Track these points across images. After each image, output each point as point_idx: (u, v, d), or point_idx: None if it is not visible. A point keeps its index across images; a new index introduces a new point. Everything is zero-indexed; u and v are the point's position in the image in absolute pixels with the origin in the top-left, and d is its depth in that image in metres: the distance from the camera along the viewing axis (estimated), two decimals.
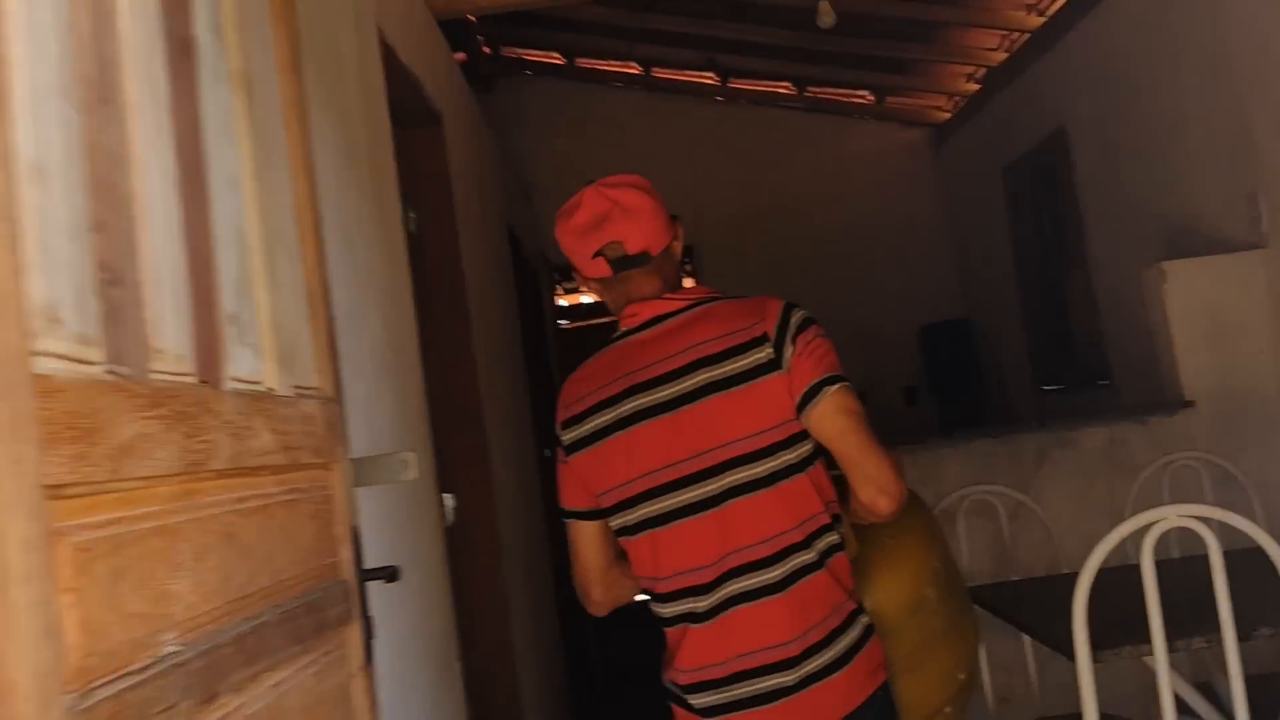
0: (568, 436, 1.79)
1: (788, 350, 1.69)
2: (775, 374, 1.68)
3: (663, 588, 1.74)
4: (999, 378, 6.64)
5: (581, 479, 1.78)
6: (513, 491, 4.13)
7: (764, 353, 1.69)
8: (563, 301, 9.59)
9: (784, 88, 7.32)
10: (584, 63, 7.36)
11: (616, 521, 1.76)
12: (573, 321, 9.78)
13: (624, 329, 1.79)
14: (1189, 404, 3.67)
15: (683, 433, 1.70)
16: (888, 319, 7.28)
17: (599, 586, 1.83)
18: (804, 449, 1.70)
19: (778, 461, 1.68)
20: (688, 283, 1.99)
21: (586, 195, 1.81)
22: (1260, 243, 3.69)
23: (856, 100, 7.34)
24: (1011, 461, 3.74)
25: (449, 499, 2.77)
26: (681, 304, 1.77)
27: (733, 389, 1.68)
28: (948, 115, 7.08)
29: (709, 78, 7.34)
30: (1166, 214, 4.44)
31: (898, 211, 7.33)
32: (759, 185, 7.34)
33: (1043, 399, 6.03)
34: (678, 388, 1.71)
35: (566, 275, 9.15)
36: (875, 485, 1.65)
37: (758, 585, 1.68)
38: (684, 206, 6.86)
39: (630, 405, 1.73)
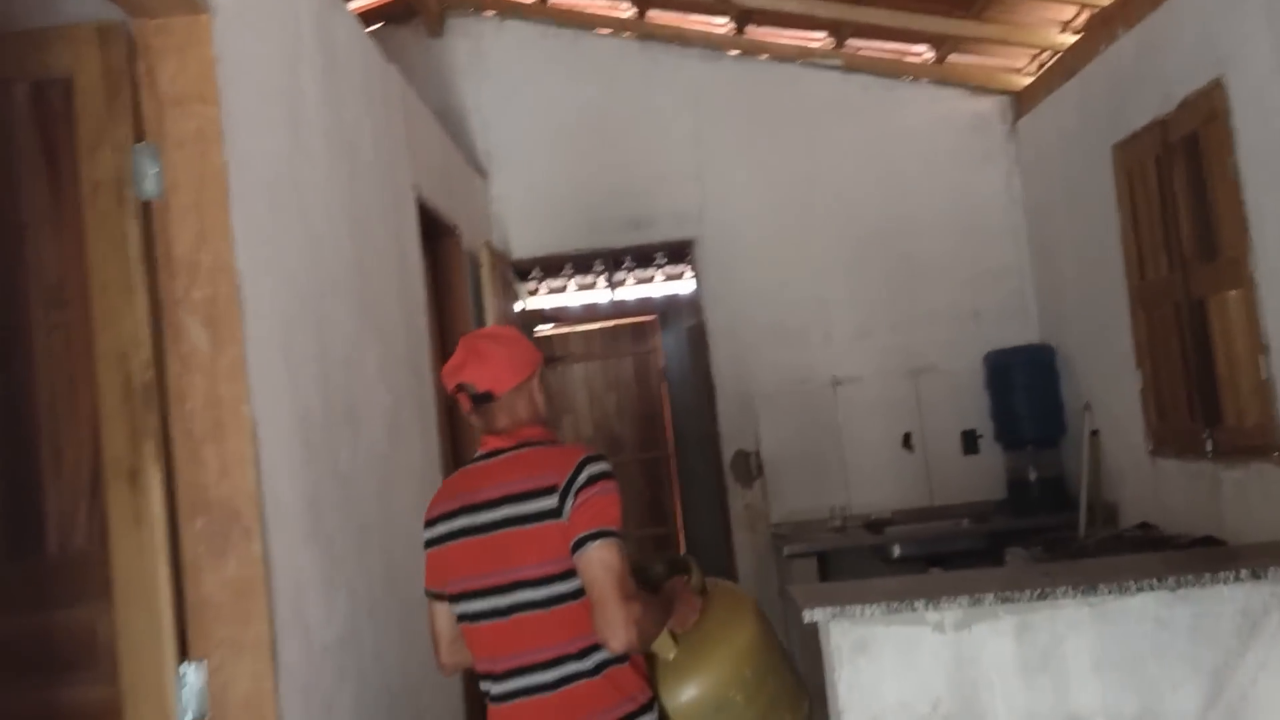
0: (426, 534, 2.25)
1: (569, 503, 2.10)
2: (556, 521, 2.10)
3: (478, 669, 2.23)
4: (1094, 430, 4.95)
5: (433, 568, 2.25)
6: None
7: (551, 502, 2.11)
8: (537, 303, 7.96)
9: (817, 39, 5.66)
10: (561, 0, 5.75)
11: (454, 609, 2.23)
12: (559, 325, 8.17)
13: (476, 455, 2.27)
14: None
15: (488, 553, 2.15)
16: (943, 341, 5.61)
17: (445, 652, 2.31)
18: (578, 583, 2.09)
19: (555, 590, 2.11)
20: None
21: (459, 343, 2.32)
22: None
23: (910, 58, 5.67)
24: (1193, 632, 2.08)
25: None
26: (510, 444, 2.23)
27: (525, 526, 2.12)
28: (1030, 78, 5.39)
29: (722, 24, 5.71)
30: None
31: (961, 205, 5.66)
32: (781, 166, 5.69)
33: (1157, 471, 4.35)
34: (489, 516, 2.16)
35: (550, 271, 7.56)
36: (608, 630, 2.03)
37: (536, 684, 2.13)
38: (684, 186, 5.13)
39: (460, 522, 2.20)
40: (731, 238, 5.67)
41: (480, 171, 5.63)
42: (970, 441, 5.57)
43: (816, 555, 5.15)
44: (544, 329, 8.21)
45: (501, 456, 2.20)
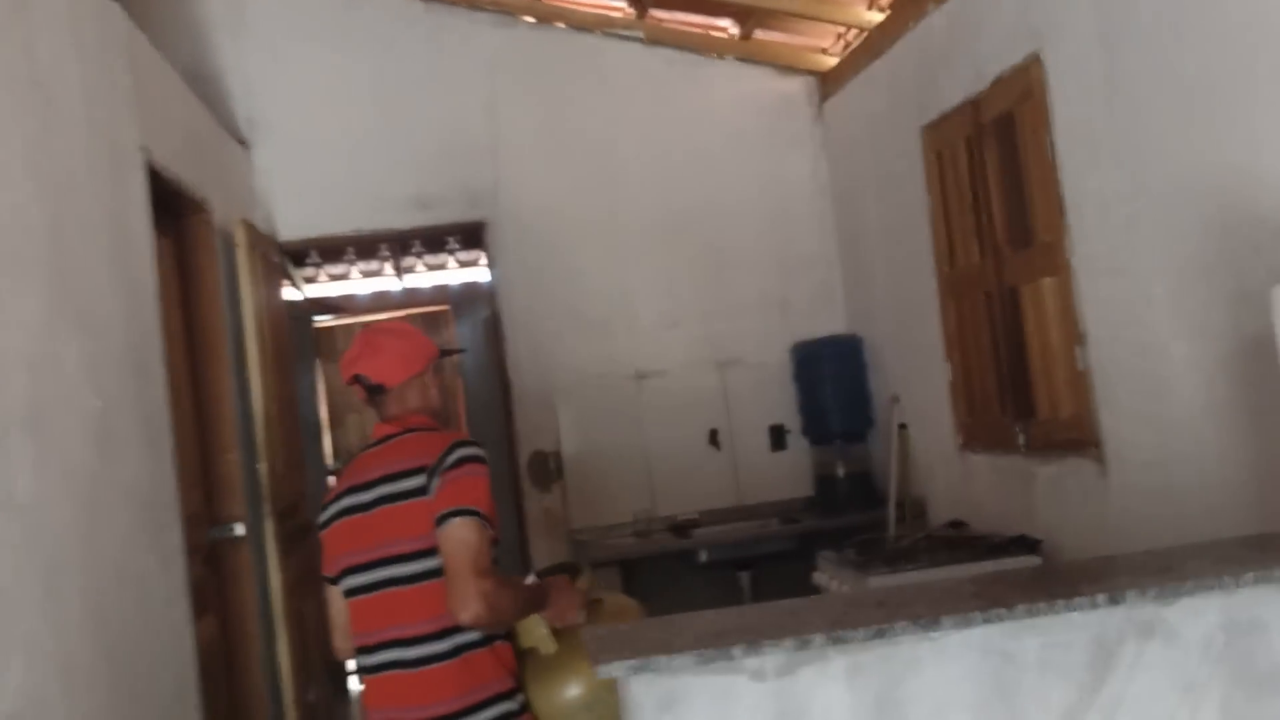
0: (319, 520, 2.45)
1: (435, 481, 2.27)
2: (424, 499, 2.26)
3: (354, 643, 2.39)
4: (902, 424, 4.78)
5: (324, 553, 2.43)
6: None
7: (421, 480, 2.28)
8: (318, 291, 7.31)
9: (617, 8, 5.28)
10: None
11: (340, 588, 2.39)
12: (341, 315, 7.52)
13: (368, 442, 2.48)
14: None
15: (365, 530, 2.33)
16: (750, 332, 5.35)
17: (338, 637, 2.45)
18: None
19: (422, 566, 2.25)
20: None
21: (356, 336, 2.54)
22: None
23: (715, 33, 5.37)
24: (1042, 666, 1.79)
25: None
26: (396, 430, 2.43)
27: (397, 504, 2.30)
28: (837, 58, 5.18)
29: None
30: (1233, 192, 2.62)
31: (768, 189, 5.40)
32: (581, 144, 5.28)
33: (967, 466, 4.19)
34: (368, 496, 2.35)
35: (329, 256, 6.90)
36: (456, 601, 2.15)
37: (399, 659, 2.28)
38: (477, 163, 4.56)
39: (344, 503, 2.39)
40: (528, 220, 5.22)
41: (241, 140, 4.97)
42: (778, 437, 5.33)
43: (619, 563, 4.79)
44: (324, 320, 7.54)
45: (388, 442, 2.42)
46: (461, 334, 7.52)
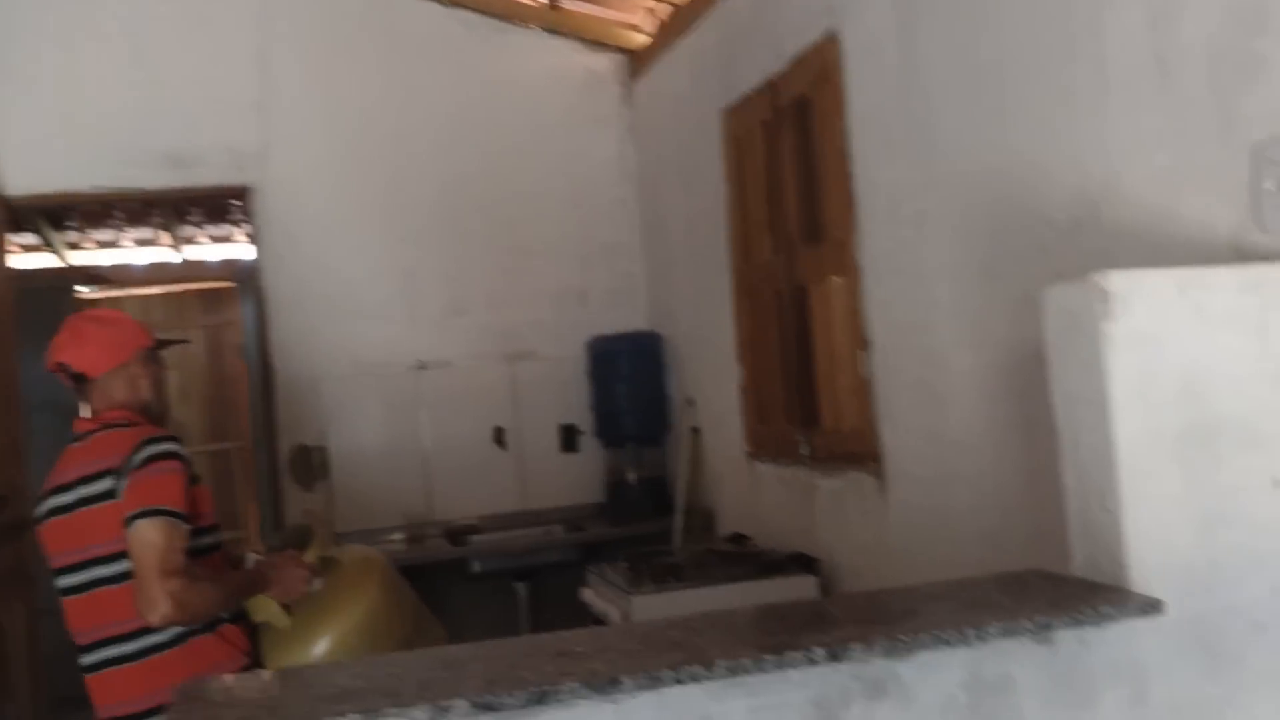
0: (35, 513, 2.40)
1: (122, 484, 2.24)
2: (112, 502, 2.25)
3: (77, 643, 2.34)
4: (695, 428, 4.49)
5: (44, 549, 2.40)
6: None
7: (109, 484, 2.26)
8: (81, 258, 6.58)
9: None
10: None
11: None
12: (107, 287, 6.78)
13: (72, 435, 2.39)
14: (1151, 605, 1.54)
15: (68, 532, 2.31)
16: (545, 324, 4.97)
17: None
18: None
19: (125, 566, 2.22)
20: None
21: (65, 321, 2.44)
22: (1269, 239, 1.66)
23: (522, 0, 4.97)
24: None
25: None
26: (94, 427, 2.36)
27: (92, 506, 2.28)
28: (648, 36, 4.86)
29: None
30: (1021, 189, 2.39)
31: (571, 172, 5.03)
32: (364, 107, 4.79)
33: (755, 476, 3.92)
34: (68, 498, 2.31)
35: (93, 220, 6.19)
36: (143, 604, 2.15)
37: (118, 655, 2.28)
38: (242, 118, 3.87)
39: (49, 504, 2.35)
40: (300, 187, 4.70)
41: None
42: (570, 437, 4.97)
43: None
44: (85, 291, 6.79)
45: (85, 440, 2.35)
46: (246, 313, 6.89)
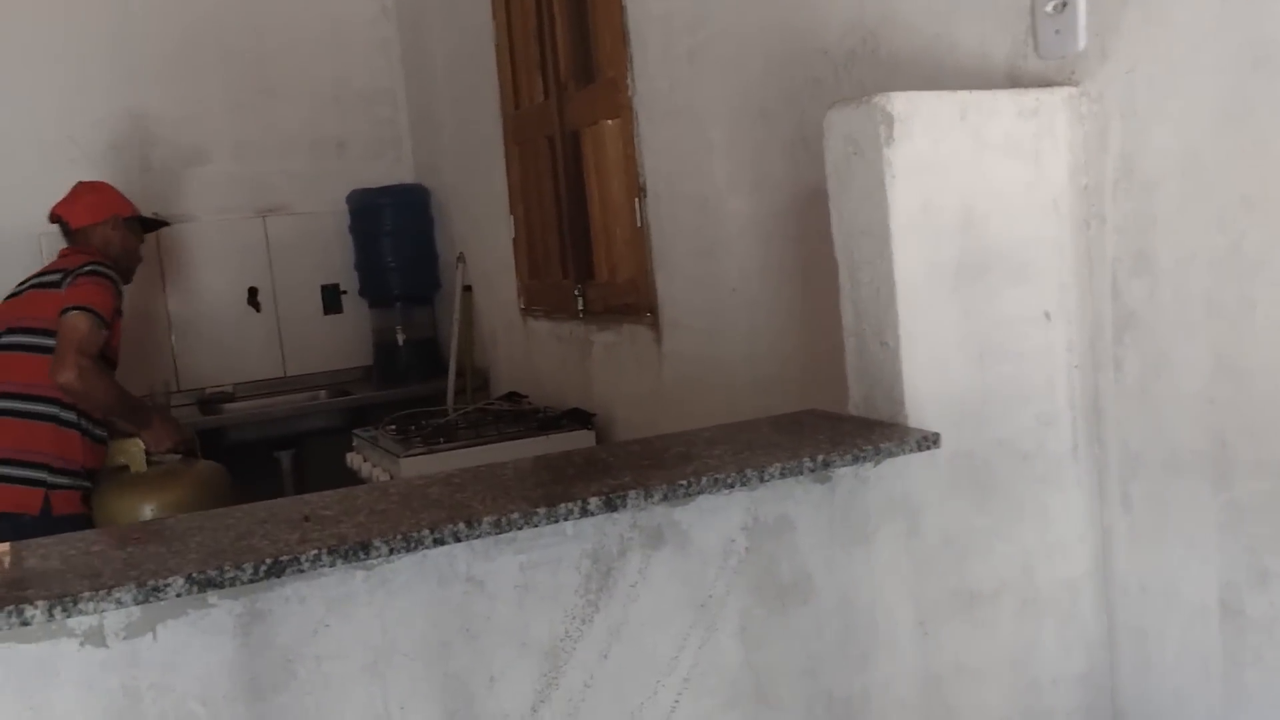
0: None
1: (66, 281, 3.02)
2: (56, 291, 3.03)
3: None
4: (467, 286, 4.28)
5: None
6: None
7: (58, 278, 3.07)
8: None
9: None
10: None
11: None
12: None
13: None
14: (928, 440, 1.52)
15: (13, 307, 3.13)
16: (300, 175, 4.59)
17: None
18: None
19: (47, 341, 2.96)
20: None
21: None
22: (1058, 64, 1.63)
23: None
24: (521, 593, 1.35)
25: None
26: (66, 253, 3.25)
27: (39, 290, 3.09)
28: None
29: None
30: (796, 17, 2.29)
31: (321, 7, 4.58)
32: None
33: (529, 333, 3.78)
34: (24, 286, 3.19)
35: None
36: (56, 366, 2.87)
37: (8, 408, 3.01)
38: None
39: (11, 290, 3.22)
40: (4, 6, 4.06)
41: None
42: (332, 298, 4.66)
43: None
44: None
45: (54, 259, 3.28)
46: None
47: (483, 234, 4.16)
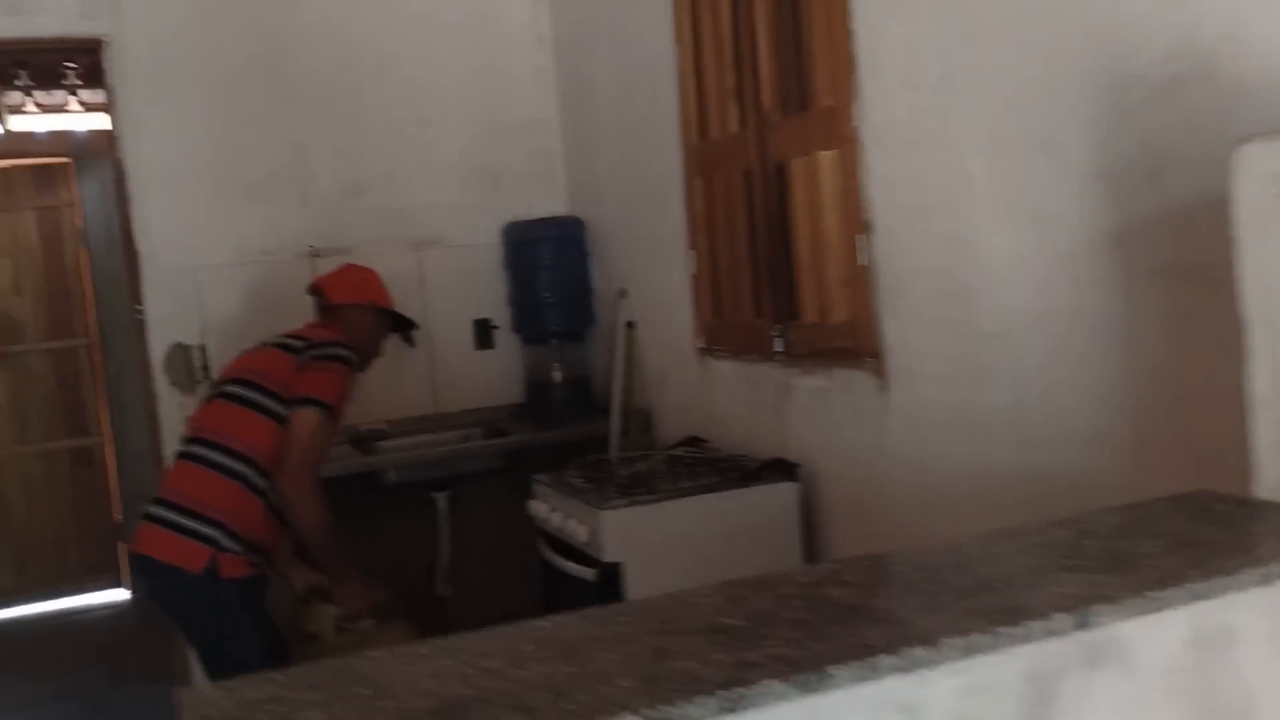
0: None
1: (307, 354, 2.97)
2: (291, 355, 3.01)
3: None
4: (630, 322, 4.10)
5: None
6: None
7: (299, 345, 3.04)
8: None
9: None
10: None
11: None
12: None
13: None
14: None
15: (251, 355, 3.11)
16: (453, 207, 4.46)
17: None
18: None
19: (263, 400, 2.94)
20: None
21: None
22: None
23: None
24: None
25: None
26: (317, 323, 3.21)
27: (279, 352, 3.04)
28: None
29: None
30: (1099, 38, 2.07)
31: (475, 36, 4.47)
32: None
33: (707, 374, 3.58)
34: (269, 340, 3.15)
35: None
36: (284, 468, 2.86)
37: (223, 464, 2.88)
38: None
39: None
40: (164, 44, 4.00)
41: None
42: (484, 333, 4.52)
43: None
44: None
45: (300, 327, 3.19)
46: (87, 193, 6.05)
47: (649, 269, 3.98)
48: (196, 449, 2.89)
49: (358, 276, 3.27)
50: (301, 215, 4.22)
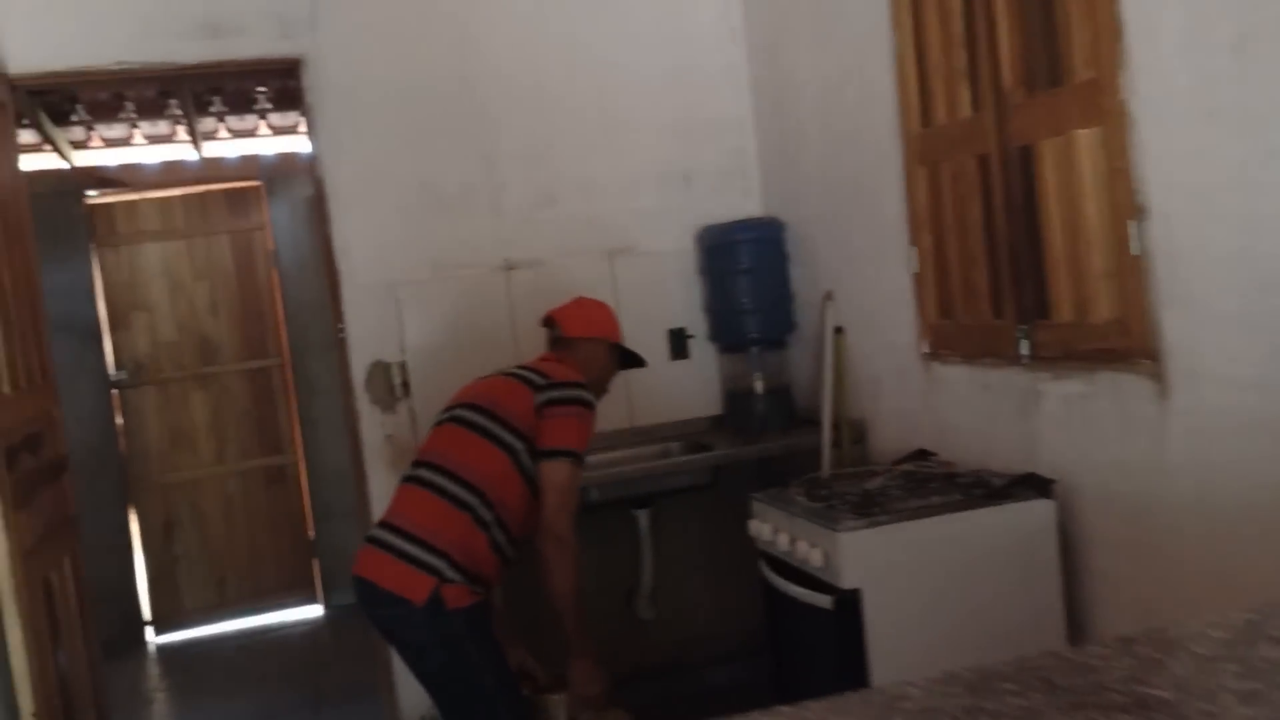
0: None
1: (549, 394, 2.83)
2: (531, 392, 2.86)
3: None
4: (838, 328, 3.85)
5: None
6: None
7: (541, 383, 2.87)
8: (85, 159, 5.88)
9: None
10: None
11: None
12: (123, 191, 6.07)
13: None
14: None
15: (486, 386, 2.97)
16: (645, 213, 4.31)
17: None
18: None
19: (504, 434, 2.83)
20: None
21: (578, 298, 3.24)
22: None
23: None
24: None
25: None
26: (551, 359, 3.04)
27: (517, 384, 2.91)
28: None
29: None
30: None
31: (665, 36, 4.31)
32: None
33: (933, 381, 3.30)
34: (500, 371, 3.07)
35: (101, 114, 5.47)
36: (543, 523, 2.79)
37: (475, 510, 2.77)
38: None
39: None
40: (360, 61, 3.98)
41: None
42: (679, 343, 4.34)
43: None
44: (98, 195, 6.07)
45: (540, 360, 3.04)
46: (278, 217, 6.19)
47: (860, 269, 3.73)
48: (425, 474, 2.78)
49: (593, 311, 3.13)
50: (495, 227, 4.14)
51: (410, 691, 4.05)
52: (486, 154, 4.12)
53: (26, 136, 5.55)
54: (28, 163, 5.79)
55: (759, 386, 4.10)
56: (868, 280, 3.67)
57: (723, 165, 4.37)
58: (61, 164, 5.78)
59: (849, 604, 2.61)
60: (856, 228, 3.71)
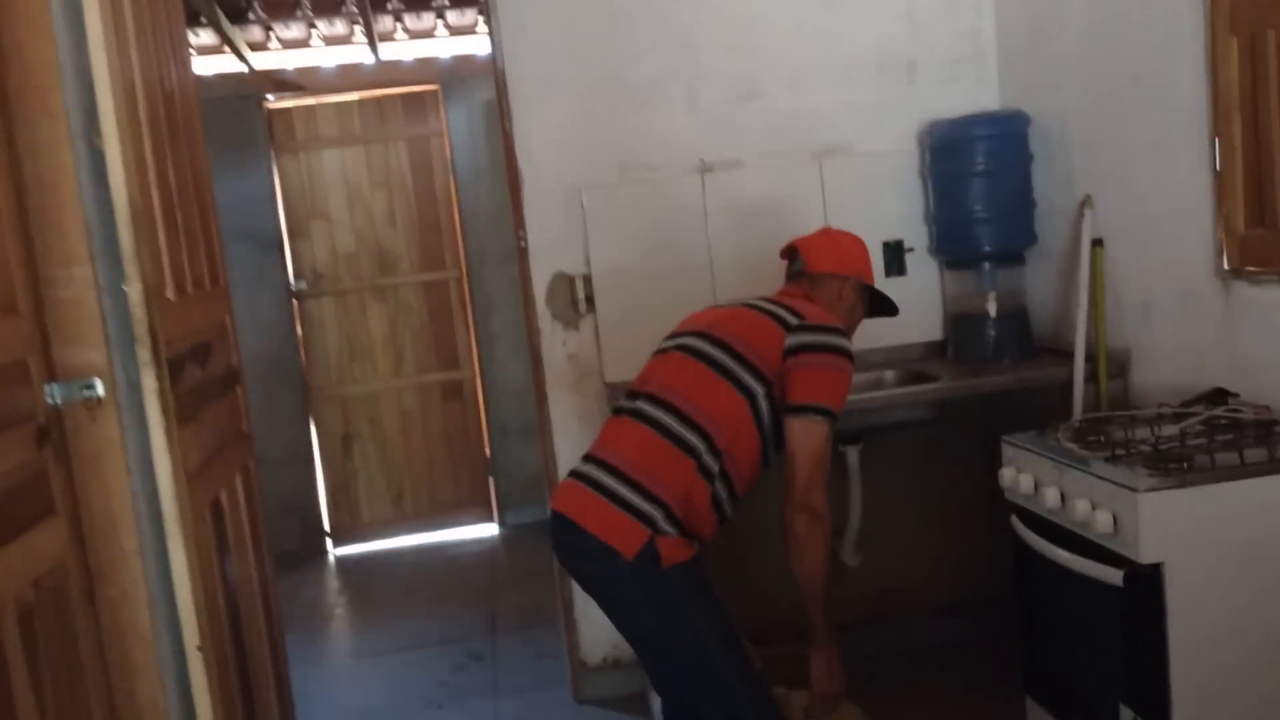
0: None
1: (802, 337, 2.40)
2: (780, 330, 2.43)
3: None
4: (1097, 240, 3.24)
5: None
6: None
7: (792, 322, 2.44)
8: (266, 61, 5.69)
9: None
10: None
11: None
12: (301, 95, 5.88)
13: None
14: None
15: (728, 319, 2.51)
16: (861, 107, 3.76)
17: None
18: None
19: (743, 374, 2.40)
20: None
21: (824, 229, 2.77)
22: None
23: None
24: None
25: None
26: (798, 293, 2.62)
27: (763, 318, 2.47)
28: None
29: None
30: None
31: None
32: None
33: (1233, 305, 2.67)
34: (737, 301, 2.66)
35: (277, 11, 5.25)
36: (791, 490, 2.34)
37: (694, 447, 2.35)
38: None
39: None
40: None
41: None
42: (896, 257, 3.80)
43: None
44: (276, 100, 5.89)
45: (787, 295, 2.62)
46: (454, 121, 5.88)
47: (1130, 169, 3.09)
48: (645, 407, 2.34)
49: (845, 244, 2.65)
50: (690, 124, 3.67)
51: (593, 629, 3.76)
52: (683, 40, 3.64)
53: (206, 37, 5.39)
54: (208, 65, 5.65)
55: (991, 309, 3.53)
56: (1141, 182, 3.04)
57: (953, 51, 3.76)
58: (241, 68, 5.61)
59: (1147, 581, 2.09)
60: (1130, 119, 3.06)
